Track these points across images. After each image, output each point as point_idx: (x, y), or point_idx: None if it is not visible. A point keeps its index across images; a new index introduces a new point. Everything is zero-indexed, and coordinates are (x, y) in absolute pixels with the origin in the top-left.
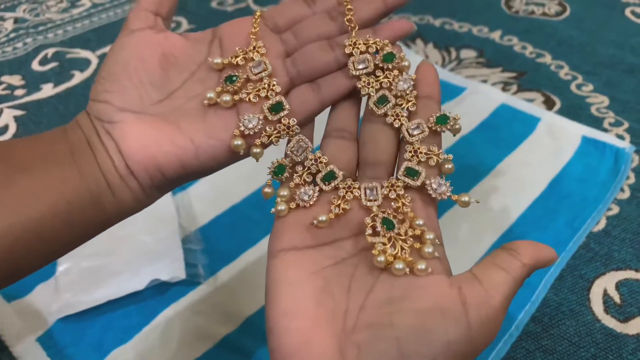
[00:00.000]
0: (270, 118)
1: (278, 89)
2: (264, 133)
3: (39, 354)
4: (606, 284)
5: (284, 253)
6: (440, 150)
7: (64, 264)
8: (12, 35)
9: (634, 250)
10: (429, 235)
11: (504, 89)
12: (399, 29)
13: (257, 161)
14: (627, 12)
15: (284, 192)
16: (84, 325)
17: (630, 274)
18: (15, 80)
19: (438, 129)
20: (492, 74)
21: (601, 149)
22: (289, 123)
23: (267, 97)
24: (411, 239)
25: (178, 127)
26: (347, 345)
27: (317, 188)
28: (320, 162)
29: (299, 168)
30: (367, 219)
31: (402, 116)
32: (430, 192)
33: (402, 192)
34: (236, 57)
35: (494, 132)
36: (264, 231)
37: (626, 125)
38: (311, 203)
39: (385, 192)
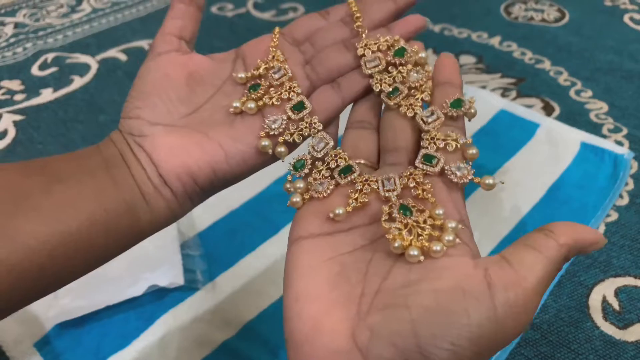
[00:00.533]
0: (293, 117)
1: (299, 90)
2: (287, 132)
3: None
4: (605, 290)
5: (302, 240)
6: (459, 135)
7: None
8: (12, 40)
9: (632, 256)
10: (451, 224)
11: (503, 95)
12: (412, 25)
13: (282, 161)
14: (626, 18)
15: (300, 184)
16: (82, 331)
17: (629, 281)
18: (15, 85)
19: (454, 114)
20: (492, 79)
21: (600, 155)
22: (311, 121)
23: (289, 99)
24: (430, 227)
25: (206, 135)
26: (360, 328)
27: (333, 181)
28: (340, 158)
29: (319, 163)
30: (385, 207)
31: (416, 106)
32: (452, 177)
33: (420, 180)
34: (258, 68)
35: (493, 138)
36: (262, 237)
37: (625, 131)
38: (324, 195)
39: (405, 182)
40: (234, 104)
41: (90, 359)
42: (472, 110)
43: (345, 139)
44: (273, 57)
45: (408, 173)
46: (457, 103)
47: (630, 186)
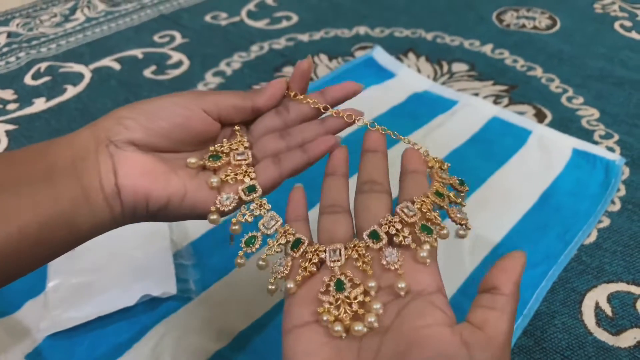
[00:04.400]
0: (244, 198)
1: (254, 175)
2: (240, 212)
3: None
4: (598, 296)
5: (296, 329)
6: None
7: (53, 281)
8: (4, 49)
9: (625, 262)
10: (376, 305)
11: (495, 102)
12: (346, 90)
13: (231, 243)
14: (617, 25)
15: (291, 284)
16: (74, 342)
17: (621, 287)
18: (8, 94)
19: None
20: (484, 87)
21: (592, 162)
22: (262, 202)
23: (242, 181)
24: (357, 304)
25: (175, 172)
26: None
27: (289, 257)
28: (289, 234)
29: (270, 241)
30: (325, 278)
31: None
32: (383, 262)
33: (362, 252)
34: (217, 151)
35: (485, 146)
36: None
37: (616, 137)
38: (285, 272)
39: (349, 253)
40: (191, 160)
41: None
42: (444, 232)
43: (320, 225)
44: (239, 140)
45: (352, 245)
46: (428, 229)
47: (622, 192)
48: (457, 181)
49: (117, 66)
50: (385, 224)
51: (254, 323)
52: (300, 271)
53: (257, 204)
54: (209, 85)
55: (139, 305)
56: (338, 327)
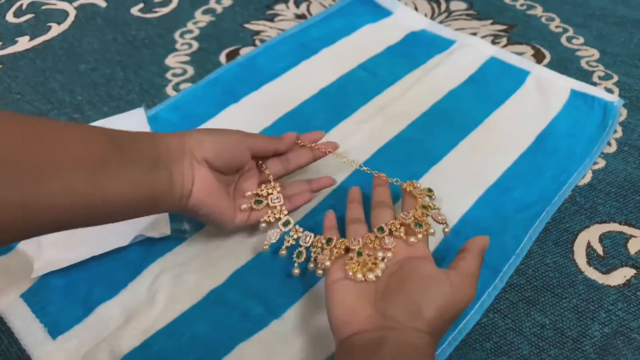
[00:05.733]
0: (282, 229)
1: (285, 212)
2: (287, 238)
3: (23, 310)
4: (590, 236)
5: (334, 283)
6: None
7: None
8: None
9: (618, 203)
10: (381, 265)
11: (493, 42)
12: (315, 137)
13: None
14: None
15: (328, 262)
16: (69, 282)
17: (614, 227)
18: None
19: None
20: (482, 26)
21: (590, 103)
22: (296, 229)
23: (279, 218)
24: (371, 263)
25: (226, 192)
26: (378, 303)
27: (327, 251)
28: (320, 240)
29: (310, 249)
30: (350, 254)
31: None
32: (385, 241)
33: (372, 239)
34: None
35: (482, 87)
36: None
37: (615, 78)
38: (329, 263)
39: (365, 240)
40: (245, 205)
41: (78, 309)
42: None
43: (348, 230)
44: (273, 186)
45: (367, 236)
46: (419, 224)
47: (619, 134)
48: (427, 192)
49: (102, 3)
50: (390, 224)
51: (250, 262)
52: (335, 253)
53: (294, 230)
54: (198, 24)
55: (133, 245)
56: (359, 275)
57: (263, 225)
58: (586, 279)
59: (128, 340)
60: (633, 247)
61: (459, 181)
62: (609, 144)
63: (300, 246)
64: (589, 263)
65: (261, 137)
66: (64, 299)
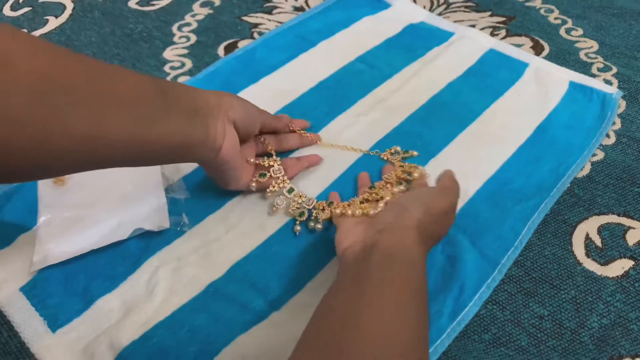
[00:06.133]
0: (287, 196)
1: (289, 182)
2: (291, 206)
3: (22, 304)
4: (588, 228)
5: (341, 219)
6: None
7: (44, 215)
8: None
9: (616, 195)
10: (380, 204)
11: (492, 34)
12: (303, 125)
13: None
14: None
15: (327, 215)
16: (68, 275)
17: (612, 219)
18: None
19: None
20: (481, 18)
21: (588, 95)
22: (300, 194)
23: (283, 186)
24: (370, 207)
25: (242, 153)
26: (374, 220)
27: (327, 210)
28: (321, 204)
29: (312, 210)
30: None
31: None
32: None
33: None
34: (265, 164)
35: (481, 79)
36: None
37: (614, 70)
38: (326, 217)
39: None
40: (253, 185)
41: (77, 302)
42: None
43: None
44: (274, 160)
45: (367, 194)
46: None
47: (618, 125)
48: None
49: None
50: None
51: (248, 255)
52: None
53: (298, 195)
54: (196, 17)
55: (132, 239)
56: (359, 211)
57: (269, 194)
58: (584, 271)
59: (127, 332)
60: (631, 238)
61: (458, 173)
62: (607, 135)
63: (304, 208)
64: (587, 255)
65: (268, 114)
66: (64, 292)
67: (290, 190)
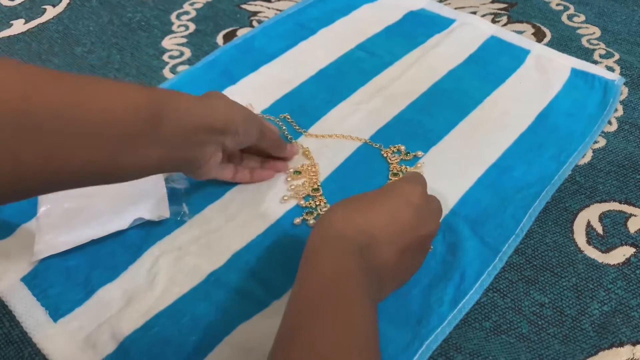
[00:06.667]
0: (311, 194)
1: (319, 182)
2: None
3: (23, 294)
4: (590, 215)
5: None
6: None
7: (44, 205)
8: None
9: (618, 182)
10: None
11: (493, 21)
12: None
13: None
14: None
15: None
16: (69, 265)
17: (613, 206)
18: None
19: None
20: (482, 5)
21: (590, 82)
22: (320, 197)
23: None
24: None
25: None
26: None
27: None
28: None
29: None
30: None
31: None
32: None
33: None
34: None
35: (482, 66)
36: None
37: (617, 56)
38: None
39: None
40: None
41: (79, 291)
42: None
43: None
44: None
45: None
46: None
47: (620, 112)
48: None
49: None
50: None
51: (249, 244)
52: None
53: (319, 199)
54: (194, 5)
55: (133, 228)
56: None
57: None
58: (586, 258)
59: (129, 322)
60: (633, 226)
61: (459, 161)
62: (609, 122)
63: (317, 211)
64: (588, 242)
65: (273, 137)
66: (65, 282)
67: (316, 189)
